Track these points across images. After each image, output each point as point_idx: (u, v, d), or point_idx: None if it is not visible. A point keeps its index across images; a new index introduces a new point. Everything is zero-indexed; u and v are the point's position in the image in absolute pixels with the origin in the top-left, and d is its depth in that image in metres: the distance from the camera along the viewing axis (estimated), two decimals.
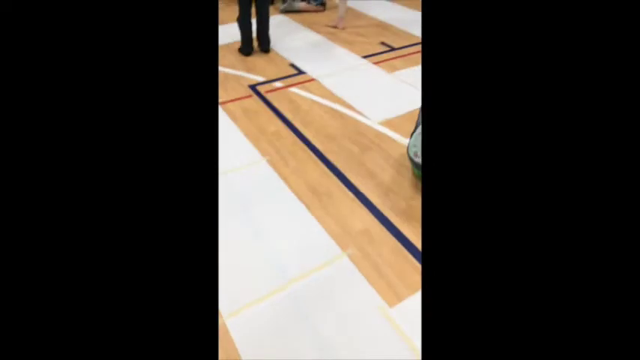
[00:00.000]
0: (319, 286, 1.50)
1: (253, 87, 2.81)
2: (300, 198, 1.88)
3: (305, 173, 2.03)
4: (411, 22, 3.87)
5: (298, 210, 1.82)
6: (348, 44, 3.42)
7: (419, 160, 1.89)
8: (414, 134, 1.92)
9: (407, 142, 2.24)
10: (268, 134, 2.32)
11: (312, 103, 2.61)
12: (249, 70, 3.01)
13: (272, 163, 2.10)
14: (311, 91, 2.74)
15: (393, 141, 2.26)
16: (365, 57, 3.20)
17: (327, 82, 2.84)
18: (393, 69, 3.02)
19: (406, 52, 3.27)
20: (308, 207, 1.83)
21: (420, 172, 1.95)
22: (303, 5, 4.24)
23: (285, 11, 4.23)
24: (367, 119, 2.46)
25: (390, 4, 4.37)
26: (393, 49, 3.33)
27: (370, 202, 1.87)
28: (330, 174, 2.03)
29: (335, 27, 3.82)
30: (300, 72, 2.98)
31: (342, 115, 2.49)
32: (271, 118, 2.47)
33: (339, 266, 1.58)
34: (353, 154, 2.17)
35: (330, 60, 3.16)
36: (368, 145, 2.24)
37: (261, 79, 2.90)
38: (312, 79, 2.88)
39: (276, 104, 2.59)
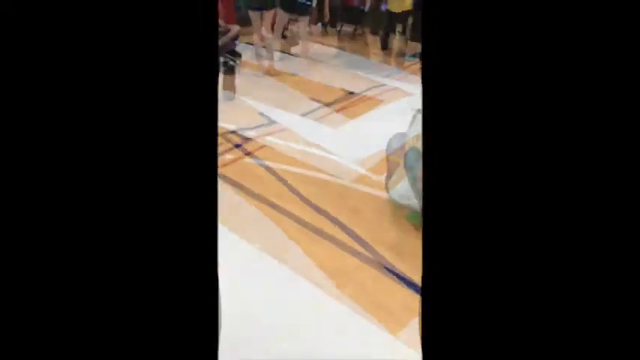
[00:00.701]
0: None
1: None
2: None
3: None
4: (371, 67, 4.19)
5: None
6: (314, 94, 3.57)
7: (412, 202, 1.98)
8: (403, 183, 2.00)
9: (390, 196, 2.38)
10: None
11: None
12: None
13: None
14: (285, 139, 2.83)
15: (375, 197, 2.39)
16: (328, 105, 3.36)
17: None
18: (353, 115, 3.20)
19: (368, 96, 3.49)
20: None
21: (419, 215, 2.04)
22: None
23: None
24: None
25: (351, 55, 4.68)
26: (353, 93, 3.53)
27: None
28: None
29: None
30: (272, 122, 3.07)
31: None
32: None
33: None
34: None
35: (297, 110, 3.26)
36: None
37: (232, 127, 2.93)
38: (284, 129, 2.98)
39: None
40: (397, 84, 3.77)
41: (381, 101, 3.43)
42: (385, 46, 4.60)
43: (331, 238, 2.00)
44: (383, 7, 4.31)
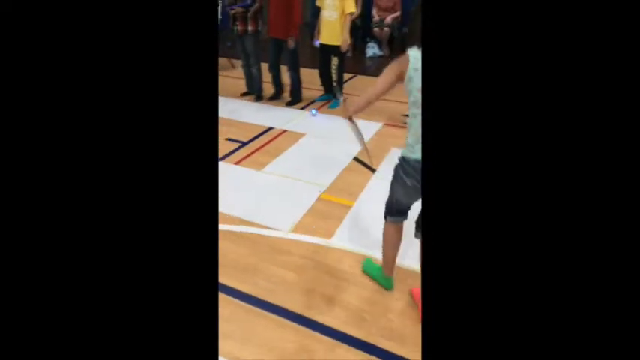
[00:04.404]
0: None
1: None
2: None
3: (254, 336, 1.48)
4: (246, 112, 3.72)
5: None
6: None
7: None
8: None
9: (333, 242, 1.96)
10: None
11: None
12: None
13: None
14: None
15: (321, 247, 1.94)
16: (221, 159, 2.81)
17: None
18: (259, 165, 2.73)
19: (261, 144, 3.05)
20: None
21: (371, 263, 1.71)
22: None
23: None
24: (276, 231, 2.07)
25: None
26: (244, 144, 3.06)
27: (357, 339, 1.47)
28: (288, 322, 1.54)
29: None
30: None
31: (243, 236, 2.02)
32: None
33: None
34: (291, 283, 1.73)
35: None
36: (299, 263, 1.84)
37: None
38: None
39: None
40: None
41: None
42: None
43: (324, 353, 1.47)
44: (316, 43, 3.81)
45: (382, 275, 1.70)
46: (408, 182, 1.40)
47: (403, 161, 1.41)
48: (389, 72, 1.33)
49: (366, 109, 1.43)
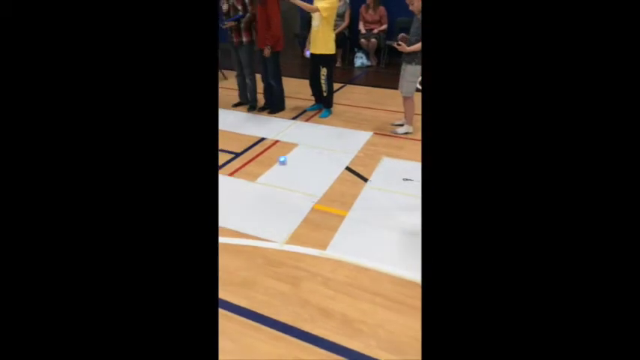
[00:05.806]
0: None
1: None
2: None
3: (250, 350, 1.46)
4: (239, 123, 3.72)
5: None
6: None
7: None
8: None
9: (327, 253, 1.96)
10: None
11: None
12: None
13: None
14: None
15: (315, 258, 1.94)
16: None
17: None
18: (253, 176, 2.73)
19: (254, 154, 3.05)
20: None
21: None
22: None
23: None
24: (271, 242, 2.06)
25: None
26: (237, 154, 3.06)
27: (355, 352, 1.47)
28: (284, 335, 1.53)
29: None
30: None
31: (238, 249, 2.01)
32: None
33: None
34: (286, 295, 1.73)
35: None
36: (294, 275, 1.84)
37: None
38: None
39: None
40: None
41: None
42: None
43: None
44: (307, 53, 3.82)
45: None
46: None
47: None
48: None
49: None
